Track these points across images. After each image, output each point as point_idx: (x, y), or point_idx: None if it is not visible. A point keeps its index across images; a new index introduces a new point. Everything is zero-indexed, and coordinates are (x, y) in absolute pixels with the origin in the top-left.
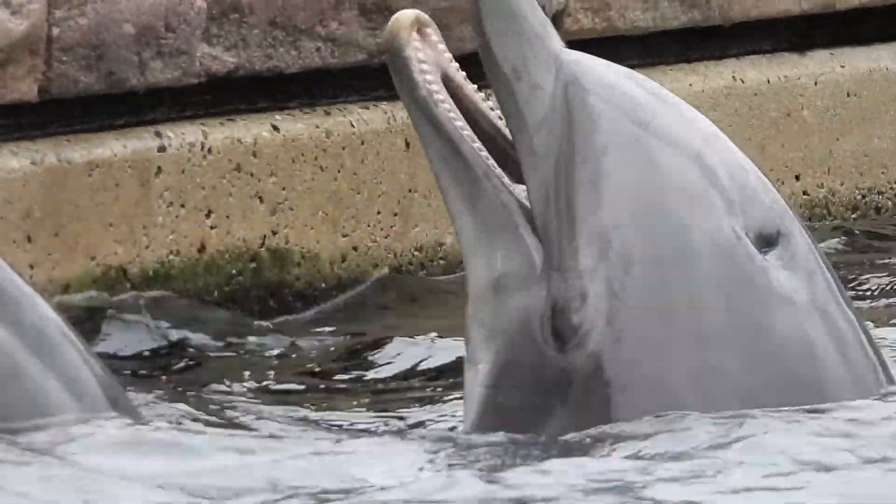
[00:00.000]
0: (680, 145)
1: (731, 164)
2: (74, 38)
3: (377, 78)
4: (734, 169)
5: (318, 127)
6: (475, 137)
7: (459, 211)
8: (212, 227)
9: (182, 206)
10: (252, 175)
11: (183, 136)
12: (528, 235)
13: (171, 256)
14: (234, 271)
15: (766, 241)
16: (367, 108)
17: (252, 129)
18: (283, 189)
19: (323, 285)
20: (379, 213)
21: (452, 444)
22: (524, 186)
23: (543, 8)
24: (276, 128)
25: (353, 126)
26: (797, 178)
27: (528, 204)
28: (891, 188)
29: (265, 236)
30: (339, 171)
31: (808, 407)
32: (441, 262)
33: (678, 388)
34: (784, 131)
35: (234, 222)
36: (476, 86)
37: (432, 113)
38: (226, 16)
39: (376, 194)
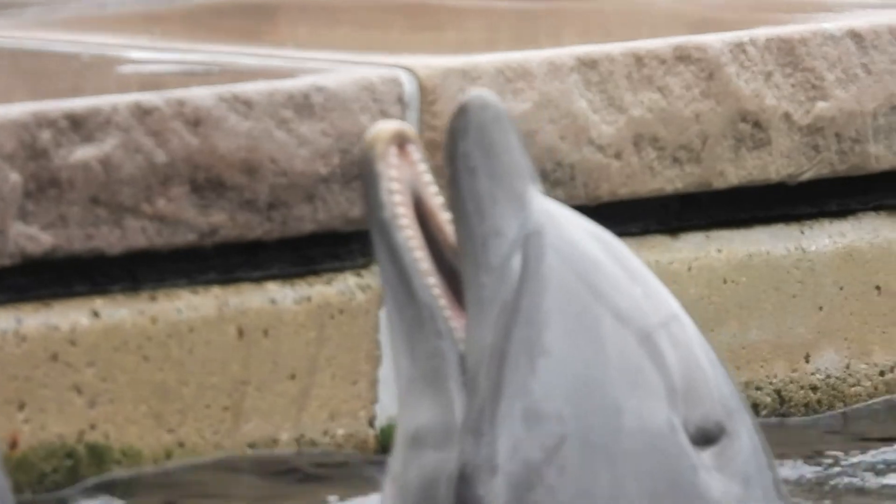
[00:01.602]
0: (633, 324)
1: (685, 348)
2: None
3: (208, 260)
4: (687, 354)
5: (142, 313)
6: (433, 272)
7: (400, 349)
8: (25, 422)
9: None
10: (69, 365)
11: None
12: (457, 391)
13: None
14: (48, 469)
15: (706, 438)
16: (197, 293)
17: (70, 316)
18: (104, 380)
19: (145, 485)
20: (208, 407)
21: None
22: None
23: None
24: (96, 314)
25: (180, 312)
26: None
27: None
28: (770, 384)
29: (83, 431)
30: (164, 362)
31: None
32: (275, 458)
33: None
34: None
35: (49, 416)
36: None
37: (392, 238)
38: (43, 191)
39: (205, 387)
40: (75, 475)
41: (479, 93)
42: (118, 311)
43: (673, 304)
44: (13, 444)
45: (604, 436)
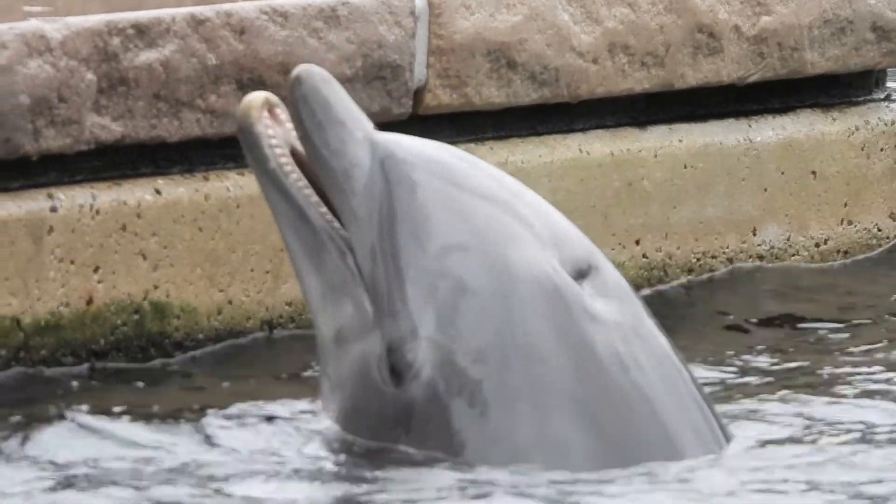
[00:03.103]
0: (492, 197)
1: (540, 211)
2: None
3: None
4: (543, 214)
5: (197, 191)
6: (322, 203)
7: (306, 272)
8: (99, 282)
9: (72, 262)
10: (136, 234)
11: (73, 198)
12: (363, 291)
13: (61, 308)
14: (119, 322)
15: (580, 274)
16: (243, 175)
17: (136, 193)
18: (165, 248)
19: (200, 336)
20: (252, 270)
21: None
22: None
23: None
24: (158, 191)
25: (229, 191)
26: (637, 242)
27: None
28: (723, 253)
29: (147, 291)
30: (216, 232)
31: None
32: (309, 316)
33: (509, 406)
34: (626, 200)
35: (119, 277)
36: None
37: (282, 183)
38: (114, 88)
39: (250, 253)
40: (141, 327)
41: (305, 65)
42: (177, 189)
43: (517, 182)
44: (89, 301)
45: (500, 283)
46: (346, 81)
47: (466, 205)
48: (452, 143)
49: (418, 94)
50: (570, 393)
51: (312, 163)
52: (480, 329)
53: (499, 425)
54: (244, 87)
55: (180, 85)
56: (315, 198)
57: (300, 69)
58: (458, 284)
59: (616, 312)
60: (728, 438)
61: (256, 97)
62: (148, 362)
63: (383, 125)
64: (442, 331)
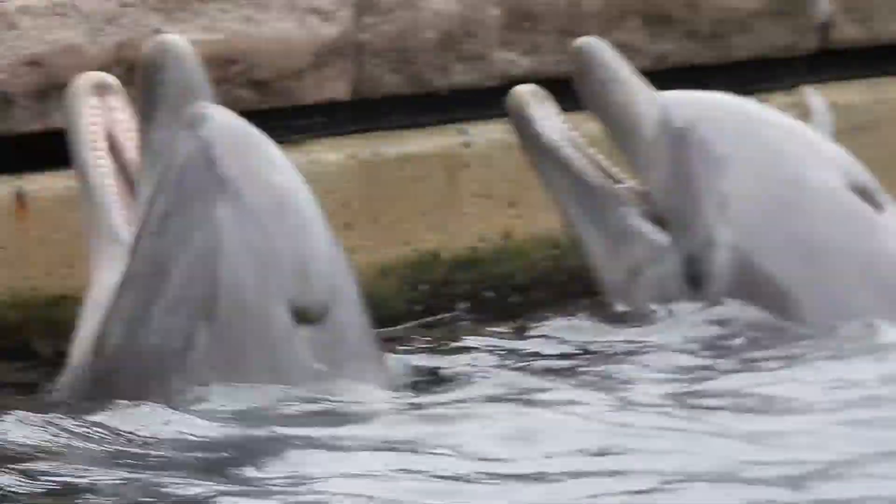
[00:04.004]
0: (781, 126)
1: (816, 138)
2: (382, 44)
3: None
4: (819, 140)
5: None
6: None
7: (587, 231)
8: (517, 217)
9: (488, 197)
10: None
11: (486, 133)
12: (650, 227)
13: (479, 243)
14: (538, 257)
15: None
16: None
17: None
18: None
19: None
20: None
21: None
22: None
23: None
24: None
25: None
26: None
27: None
28: None
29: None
30: None
31: None
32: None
33: (799, 297)
34: None
35: (538, 212)
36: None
37: (558, 156)
38: (519, 24)
39: None
40: (560, 263)
41: (584, 38)
42: (586, 125)
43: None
44: (507, 236)
45: (793, 194)
46: (753, 16)
47: (757, 135)
48: (859, 78)
49: (824, 28)
50: (853, 289)
51: (601, 117)
52: (774, 233)
53: (790, 312)
54: (650, 24)
55: (586, 19)
56: (592, 162)
57: (581, 41)
58: (751, 199)
59: None
60: None
61: (525, 88)
62: (570, 298)
63: (789, 60)
64: (738, 237)
